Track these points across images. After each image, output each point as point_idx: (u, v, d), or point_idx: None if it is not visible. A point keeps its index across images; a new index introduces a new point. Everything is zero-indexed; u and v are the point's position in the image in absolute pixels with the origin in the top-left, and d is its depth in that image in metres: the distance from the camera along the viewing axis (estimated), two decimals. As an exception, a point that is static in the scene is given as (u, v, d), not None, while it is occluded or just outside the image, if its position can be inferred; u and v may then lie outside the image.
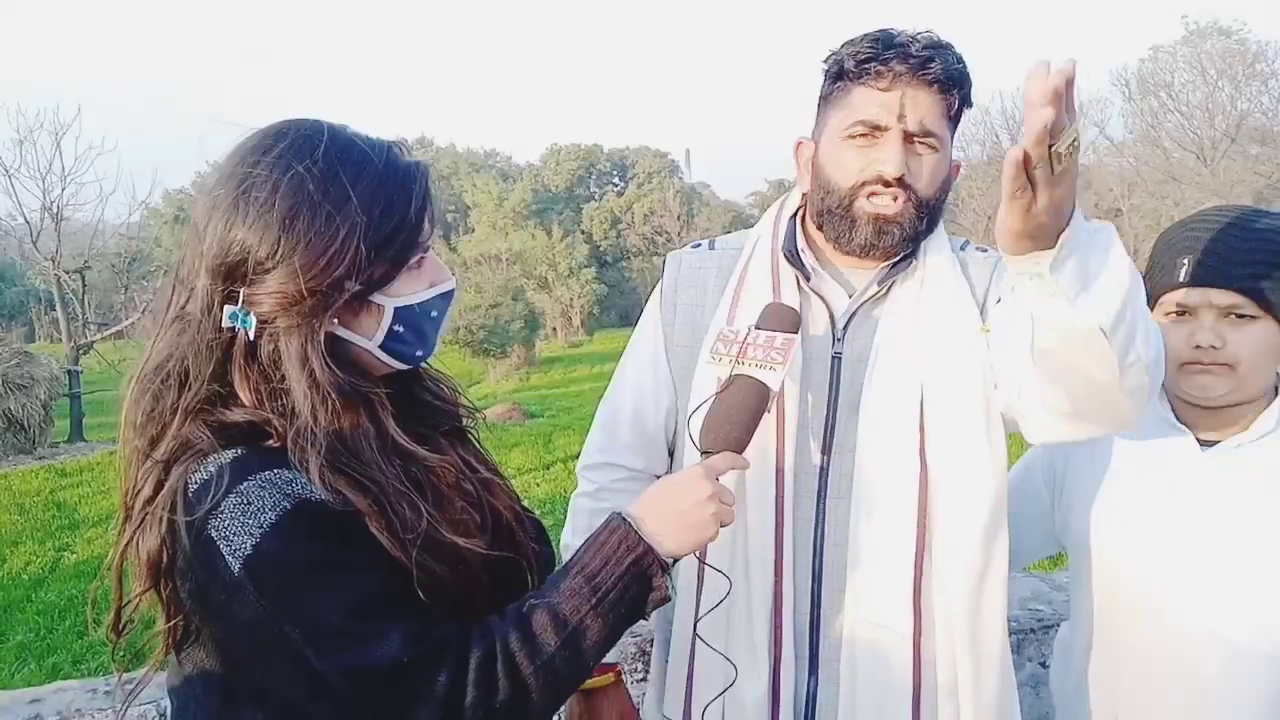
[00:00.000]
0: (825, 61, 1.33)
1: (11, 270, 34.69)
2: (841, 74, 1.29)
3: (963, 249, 1.40)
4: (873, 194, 1.28)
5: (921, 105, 1.24)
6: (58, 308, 15.05)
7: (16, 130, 14.57)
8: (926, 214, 1.30)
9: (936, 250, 1.36)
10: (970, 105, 1.32)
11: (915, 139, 1.26)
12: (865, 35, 1.28)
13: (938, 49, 1.25)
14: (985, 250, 1.40)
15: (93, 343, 14.94)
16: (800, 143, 1.40)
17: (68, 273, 14.73)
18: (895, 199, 1.27)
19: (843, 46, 1.30)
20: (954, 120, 1.31)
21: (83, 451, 12.91)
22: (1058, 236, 0.94)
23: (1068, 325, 0.99)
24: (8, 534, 8.46)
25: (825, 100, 1.35)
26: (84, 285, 15.03)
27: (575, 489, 1.55)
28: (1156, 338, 1.06)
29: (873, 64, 1.24)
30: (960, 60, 1.28)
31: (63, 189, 14.78)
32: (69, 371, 13.97)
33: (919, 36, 1.26)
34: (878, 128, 1.26)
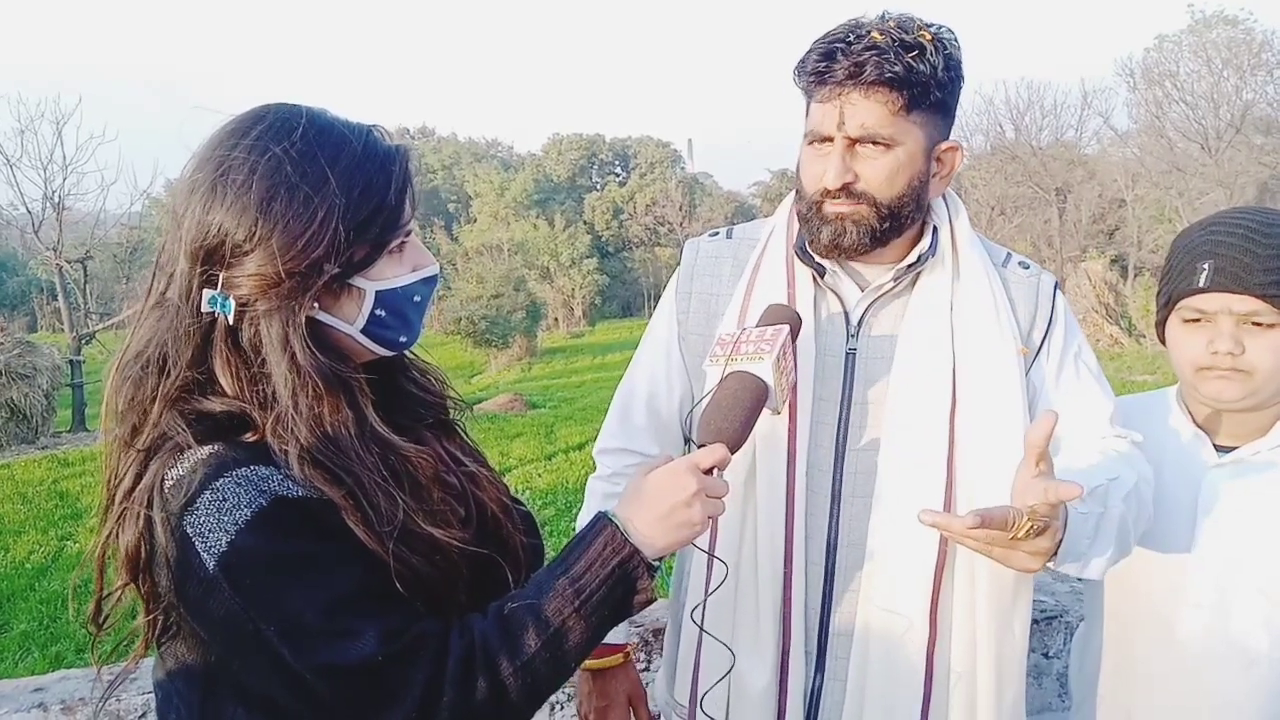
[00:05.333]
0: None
1: (13, 260, 34.77)
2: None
3: (1005, 264, 1.37)
4: (830, 199, 1.27)
5: (860, 110, 1.21)
6: (59, 297, 15.08)
7: (18, 119, 14.62)
8: (888, 213, 1.26)
9: (969, 254, 1.33)
10: (941, 90, 1.23)
11: (860, 143, 1.23)
12: (816, 41, 1.24)
13: (876, 50, 1.18)
14: (1028, 266, 1.38)
15: (95, 332, 14.98)
16: None
17: (69, 262, 14.75)
18: (847, 205, 1.26)
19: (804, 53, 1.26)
20: (916, 111, 1.22)
21: (85, 441, 12.93)
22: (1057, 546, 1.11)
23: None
24: (11, 523, 8.48)
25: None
26: (86, 275, 15.06)
27: (591, 472, 1.56)
28: (1146, 515, 1.25)
29: (813, 75, 1.23)
30: (906, 49, 1.18)
31: (64, 178, 14.83)
32: (71, 361, 14.01)
33: (862, 36, 1.20)
34: (826, 138, 1.25)
